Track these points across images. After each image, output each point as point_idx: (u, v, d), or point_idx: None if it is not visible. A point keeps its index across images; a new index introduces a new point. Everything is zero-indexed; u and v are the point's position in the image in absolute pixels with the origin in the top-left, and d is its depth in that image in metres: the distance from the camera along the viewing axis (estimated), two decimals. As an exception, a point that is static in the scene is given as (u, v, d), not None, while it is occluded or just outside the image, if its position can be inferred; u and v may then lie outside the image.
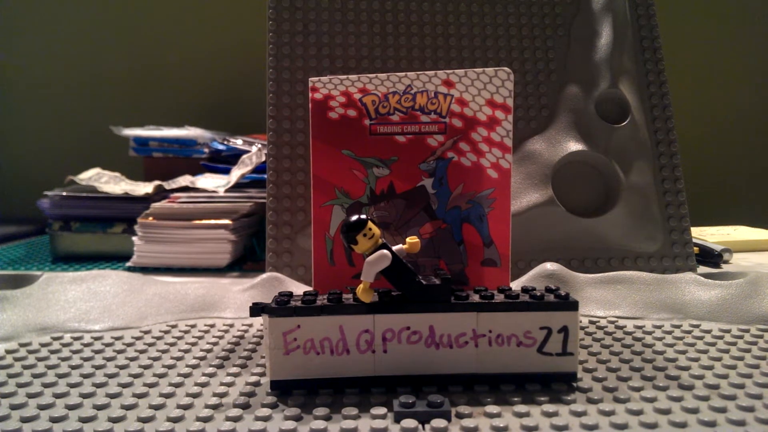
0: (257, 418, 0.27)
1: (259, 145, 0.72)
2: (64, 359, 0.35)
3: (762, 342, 0.38)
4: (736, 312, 0.43)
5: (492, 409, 0.28)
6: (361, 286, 0.30)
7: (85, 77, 1.04)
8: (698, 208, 0.74)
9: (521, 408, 0.28)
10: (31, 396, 0.29)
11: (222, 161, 0.76)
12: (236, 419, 0.27)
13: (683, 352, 0.36)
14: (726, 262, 0.61)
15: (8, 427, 0.26)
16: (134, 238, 0.60)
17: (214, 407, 0.28)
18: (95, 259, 0.65)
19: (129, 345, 0.37)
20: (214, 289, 0.46)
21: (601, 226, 0.53)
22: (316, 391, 0.30)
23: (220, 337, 0.39)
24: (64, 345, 0.37)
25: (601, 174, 0.55)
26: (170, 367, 0.34)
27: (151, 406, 0.28)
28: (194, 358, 0.35)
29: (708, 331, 0.40)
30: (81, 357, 0.35)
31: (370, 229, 0.29)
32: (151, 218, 0.60)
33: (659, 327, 0.41)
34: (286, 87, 0.54)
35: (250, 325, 0.42)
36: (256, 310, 0.30)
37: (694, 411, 0.28)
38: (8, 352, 0.36)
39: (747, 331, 0.40)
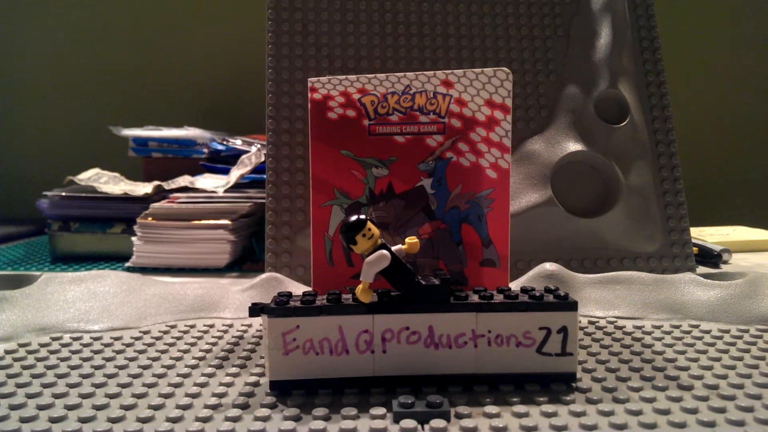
0: (256, 419, 0.27)
1: (259, 146, 0.72)
2: (63, 359, 0.35)
3: (761, 342, 0.38)
4: (735, 312, 0.43)
5: (491, 409, 0.28)
6: (360, 286, 0.30)
7: (84, 77, 1.04)
8: (697, 209, 0.74)
9: (520, 408, 0.28)
10: (30, 396, 0.29)
11: (221, 161, 0.75)
12: (235, 419, 0.27)
13: (682, 353, 0.36)
14: (725, 262, 0.61)
15: (7, 427, 0.26)
16: (133, 239, 0.60)
17: (214, 407, 0.28)
18: (94, 260, 0.65)
19: (128, 345, 0.37)
20: (213, 289, 0.46)
21: (601, 227, 0.53)
22: (315, 392, 0.30)
23: (220, 338, 0.39)
24: (64, 345, 0.37)
25: (600, 174, 0.55)
26: (169, 367, 0.34)
27: (150, 407, 0.28)
28: (193, 358, 0.35)
29: (707, 332, 0.40)
30: (80, 357, 0.35)
31: (370, 229, 0.29)
32: (150, 218, 0.60)
33: (658, 327, 0.41)
34: (286, 87, 0.54)
35: (250, 326, 0.42)
36: (256, 310, 0.30)
37: (694, 411, 0.28)
38: (7, 352, 0.36)
39: (746, 331, 0.40)
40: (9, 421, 0.27)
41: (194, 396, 0.30)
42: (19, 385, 0.31)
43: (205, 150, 0.81)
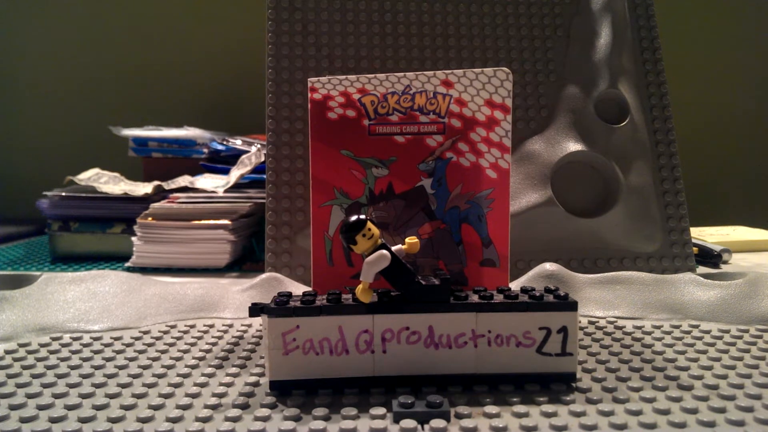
0: (256, 419, 0.27)
1: (259, 146, 0.72)
2: (63, 359, 0.35)
3: (761, 342, 0.38)
4: (735, 312, 0.43)
5: (491, 409, 0.28)
6: (360, 286, 0.30)
7: (84, 77, 1.04)
8: (697, 209, 0.74)
9: (520, 408, 0.28)
10: (30, 396, 0.29)
11: (221, 161, 0.76)
12: (235, 419, 0.27)
13: (682, 353, 0.36)
14: (725, 262, 0.61)
15: (7, 427, 0.26)
16: (133, 239, 0.60)
17: (214, 407, 0.28)
18: (94, 260, 0.65)
19: (128, 345, 0.37)
20: (213, 289, 0.46)
21: (601, 227, 0.53)
22: (315, 392, 0.30)
23: (220, 338, 0.39)
24: (64, 345, 0.37)
25: (600, 174, 0.55)
26: (169, 367, 0.34)
27: (150, 407, 0.28)
28: (193, 358, 0.35)
29: (707, 332, 0.40)
30: (80, 357, 0.35)
31: (369, 229, 0.29)
32: (150, 218, 0.60)
33: (658, 327, 0.41)
34: (286, 87, 0.54)
35: (249, 326, 0.42)
36: (256, 310, 0.30)
37: (694, 411, 0.28)
38: (7, 352, 0.36)
39: (746, 331, 0.40)
40: (9, 421, 0.27)
41: (194, 396, 0.30)
42: (19, 385, 0.31)
43: (205, 150, 0.81)
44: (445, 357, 0.30)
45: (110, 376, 0.32)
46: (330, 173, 0.35)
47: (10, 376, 0.32)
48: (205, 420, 0.27)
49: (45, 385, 0.31)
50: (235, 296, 0.46)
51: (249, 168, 0.66)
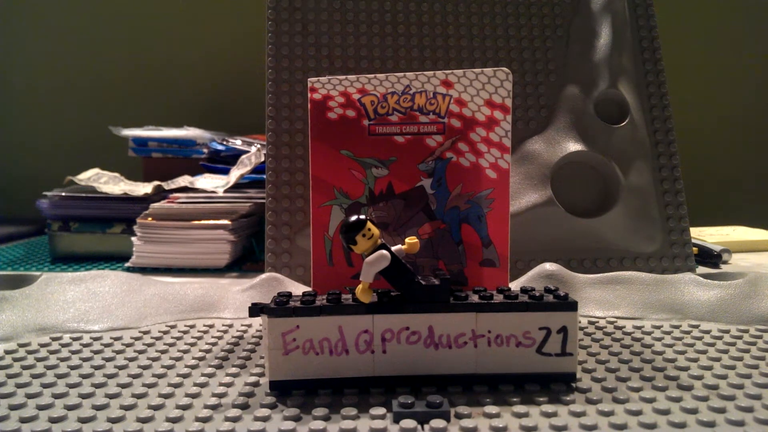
0: (256, 419, 0.27)
1: (258, 146, 0.72)
2: (63, 360, 0.35)
3: (761, 342, 0.38)
4: (735, 312, 0.43)
5: (491, 409, 0.28)
6: (360, 286, 0.30)
7: (84, 77, 1.04)
8: (697, 209, 0.74)
9: (520, 408, 0.28)
10: (30, 396, 0.29)
11: (221, 161, 0.75)
12: (235, 420, 0.27)
13: (682, 353, 0.36)
14: (725, 262, 0.61)
15: (7, 427, 0.26)
16: (133, 239, 0.60)
17: (213, 408, 0.28)
18: (94, 260, 0.65)
19: (128, 345, 0.37)
20: (213, 289, 0.46)
21: (601, 227, 0.53)
22: (315, 392, 0.30)
23: (219, 338, 0.39)
24: (63, 345, 0.37)
25: (600, 174, 0.55)
26: (169, 367, 0.34)
27: (150, 407, 0.28)
28: (193, 358, 0.35)
29: (707, 332, 0.40)
30: (80, 357, 0.35)
31: (369, 229, 0.29)
32: (150, 219, 0.60)
33: (658, 327, 0.41)
34: (285, 87, 0.54)
35: (249, 326, 0.42)
36: (255, 310, 0.30)
37: (694, 411, 0.28)
38: (7, 352, 0.36)
39: (746, 331, 0.40)
40: (9, 421, 0.27)
41: (194, 396, 0.30)
42: (19, 385, 0.31)
43: (205, 150, 0.81)
44: (445, 357, 0.30)
45: (110, 376, 0.32)
46: (330, 173, 0.35)
47: (10, 376, 0.32)
48: (205, 420, 0.27)
49: (45, 385, 0.31)
50: (235, 296, 0.46)
51: (249, 168, 0.66)
